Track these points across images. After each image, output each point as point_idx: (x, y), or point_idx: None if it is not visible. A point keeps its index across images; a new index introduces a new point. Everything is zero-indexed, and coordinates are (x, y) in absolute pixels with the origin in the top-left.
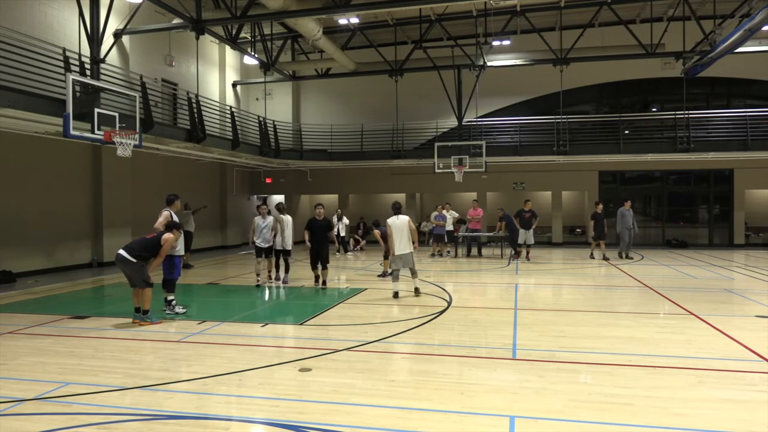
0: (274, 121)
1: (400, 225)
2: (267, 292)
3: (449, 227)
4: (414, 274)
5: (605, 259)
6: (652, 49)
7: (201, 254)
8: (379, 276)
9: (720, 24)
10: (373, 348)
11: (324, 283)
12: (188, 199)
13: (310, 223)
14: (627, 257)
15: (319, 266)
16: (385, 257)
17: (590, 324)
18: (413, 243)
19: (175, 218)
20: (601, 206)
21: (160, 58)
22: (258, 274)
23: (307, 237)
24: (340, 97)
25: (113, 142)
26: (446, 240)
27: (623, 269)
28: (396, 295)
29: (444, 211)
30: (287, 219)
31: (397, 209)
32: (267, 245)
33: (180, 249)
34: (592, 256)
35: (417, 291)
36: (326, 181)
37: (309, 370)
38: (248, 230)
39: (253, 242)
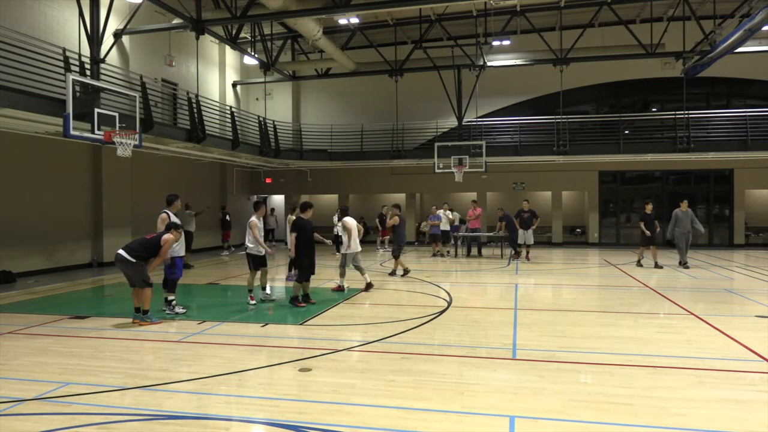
0: (274, 121)
1: (355, 225)
2: (267, 292)
3: (445, 227)
4: (363, 270)
5: (639, 264)
6: (652, 49)
7: (201, 254)
8: (390, 274)
9: (720, 24)
10: (373, 348)
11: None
12: (188, 199)
13: (301, 224)
14: (685, 266)
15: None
16: (396, 256)
17: (590, 324)
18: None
19: (174, 219)
20: (651, 206)
21: (160, 58)
22: (251, 289)
23: (293, 241)
24: (340, 97)
25: (113, 142)
26: (441, 240)
27: (623, 269)
28: (343, 288)
29: (440, 211)
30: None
31: (345, 211)
32: (263, 253)
33: (180, 249)
34: (657, 265)
35: (370, 286)
36: (326, 181)
37: (309, 370)
38: (248, 232)
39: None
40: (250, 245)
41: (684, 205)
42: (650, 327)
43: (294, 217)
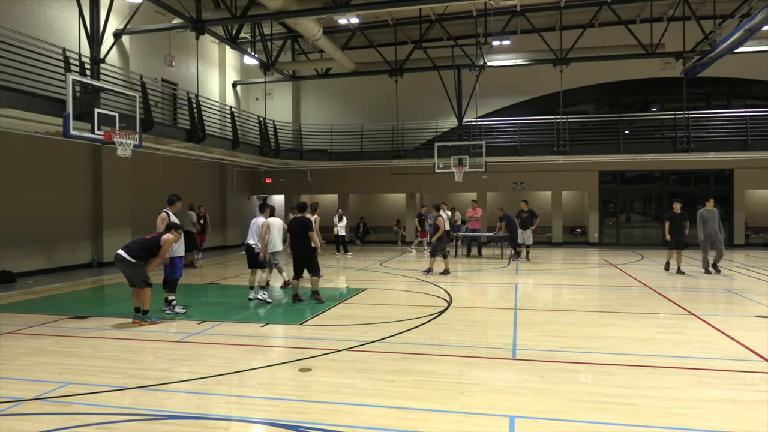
0: (274, 121)
1: (278, 225)
2: (267, 293)
3: (445, 227)
4: (281, 270)
5: (680, 272)
6: (652, 49)
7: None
8: (441, 273)
9: (720, 24)
10: (373, 348)
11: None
12: (188, 199)
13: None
14: (716, 270)
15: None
16: (443, 255)
17: (590, 324)
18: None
19: (174, 219)
20: (679, 205)
21: (160, 58)
22: (264, 286)
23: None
24: (340, 97)
25: (113, 142)
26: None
27: (623, 269)
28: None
29: (442, 212)
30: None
31: (272, 211)
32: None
33: (179, 250)
34: (668, 268)
35: (287, 284)
36: (326, 181)
37: (309, 370)
38: (259, 232)
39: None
40: (260, 245)
41: (710, 204)
42: (650, 327)
43: (317, 217)
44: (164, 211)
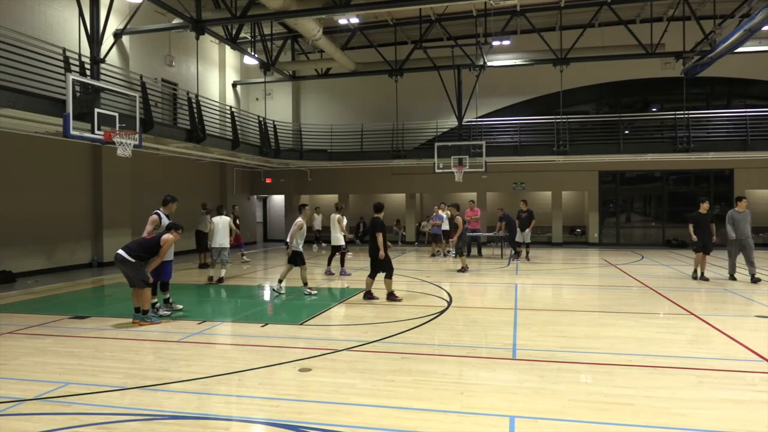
0: (274, 121)
1: (223, 222)
2: (267, 292)
3: (445, 227)
4: (224, 265)
5: (703, 278)
6: (652, 49)
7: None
8: (459, 271)
9: (720, 24)
10: (373, 348)
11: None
12: (188, 199)
13: (381, 222)
14: (732, 278)
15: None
16: (459, 254)
17: (590, 324)
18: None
19: (165, 220)
20: (706, 205)
21: (160, 58)
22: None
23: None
24: (340, 97)
25: (113, 142)
26: (443, 239)
27: (623, 269)
28: (221, 280)
29: (441, 211)
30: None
31: (219, 210)
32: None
33: (169, 254)
34: (695, 276)
35: (213, 279)
36: (326, 181)
37: (309, 370)
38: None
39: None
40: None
41: (742, 205)
42: (650, 327)
43: (340, 216)
44: (156, 212)
